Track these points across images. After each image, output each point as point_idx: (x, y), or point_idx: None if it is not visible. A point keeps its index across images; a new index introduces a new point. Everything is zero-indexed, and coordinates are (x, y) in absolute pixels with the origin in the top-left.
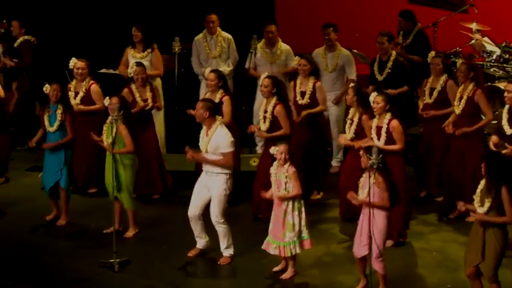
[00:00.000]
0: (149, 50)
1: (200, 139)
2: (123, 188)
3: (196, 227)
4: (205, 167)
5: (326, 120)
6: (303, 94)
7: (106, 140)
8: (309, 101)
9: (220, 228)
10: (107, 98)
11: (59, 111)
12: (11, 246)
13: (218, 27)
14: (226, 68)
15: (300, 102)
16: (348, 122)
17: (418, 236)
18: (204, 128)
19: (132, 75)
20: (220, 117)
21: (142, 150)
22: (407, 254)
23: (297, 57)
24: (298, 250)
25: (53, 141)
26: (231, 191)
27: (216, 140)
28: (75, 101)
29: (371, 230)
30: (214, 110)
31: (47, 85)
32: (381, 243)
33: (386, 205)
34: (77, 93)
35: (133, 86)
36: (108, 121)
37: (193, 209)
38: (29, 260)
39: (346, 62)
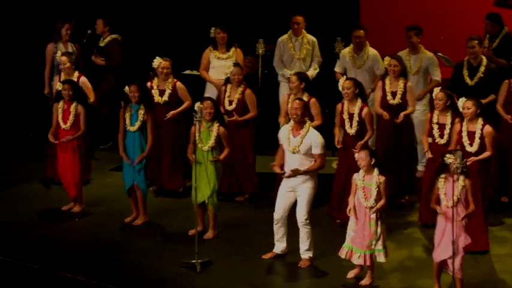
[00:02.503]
0: (233, 49)
1: (283, 139)
2: (210, 190)
3: (279, 231)
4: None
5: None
6: (393, 94)
7: (202, 143)
8: (400, 101)
9: (305, 229)
10: (198, 103)
11: (141, 112)
12: (94, 245)
13: (303, 30)
14: (313, 71)
15: (391, 102)
16: (436, 126)
17: (502, 242)
18: (287, 127)
19: (228, 75)
20: (309, 122)
21: (235, 150)
22: (490, 259)
23: (387, 57)
24: (383, 259)
25: (130, 139)
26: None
27: (309, 140)
28: (162, 99)
29: (454, 235)
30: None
31: (126, 87)
32: (461, 248)
33: (473, 209)
34: (161, 92)
35: (228, 86)
36: (203, 127)
37: (280, 212)
38: (112, 259)
39: (429, 64)
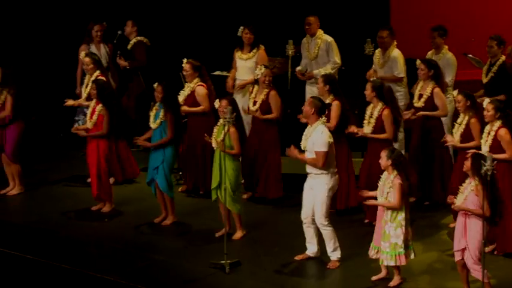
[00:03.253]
0: (255, 51)
1: (303, 138)
2: (228, 192)
3: (308, 232)
4: (308, 169)
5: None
6: (420, 97)
7: (216, 139)
8: (423, 104)
9: (325, 231)
10: (217, 100)
11: (163, 111)
12: (124, 245)
13: (319, 30)
14: (327, 69)
15: (415, 104)
16: (457, 126)
17: None
18: (308, 127)
19: (259, 76)
20: (324, 118)
21: (263, 151)
22: None
23: (418, 60)
24: (391, 263)
25: (154, 137)
26: (335, 192)
27: (313, 138)
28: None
29: (467, 239)
30: (321, 109)
31: (155, 84)
32: (476, 252)
33: (485, 214)
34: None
35: (255, 87)
36: (219, 123)
37: (305, 213)
38: (141, 259)
39: (445, 64)
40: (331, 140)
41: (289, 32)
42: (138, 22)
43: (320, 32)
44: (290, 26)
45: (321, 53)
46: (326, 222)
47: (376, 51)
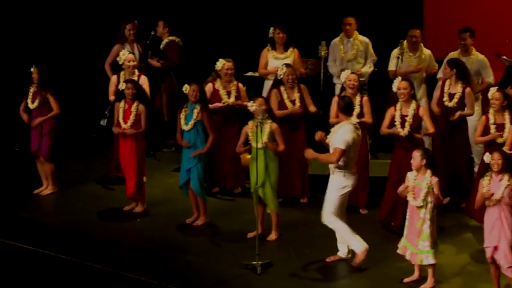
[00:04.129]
0: (291, 50)
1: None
2: (269, 190)
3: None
4: (329, 166)
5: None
6: (451, 96)
7: (256, 143)
8: (456, 105)
9: (335, 227)
10: (251, 101)
11: (196, 111)
12: (155, 245)
13: (355, 31)
14: (367, 69)
15: (446, 103)
16: (493, 126)
17: None
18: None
19: (281, 76)
20: (352, 118)
21: (292, 152)
22: None
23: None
24: (431, 261)
25: (187, 140)
26: (350, 191)
27: (337, 134)
28: (230, 100)
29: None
30: (346, 107)
31: (186, 85)
32: (508, 250)
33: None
34: (228, 92)
35: (282, 88)
36: (251, 124)
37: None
38: (173, 260)
39: (481, 66)
40: (352, 141)
41: (322, 33)
42: (169, 22)
43: (356, 33)
44: (322, 27)
45: (359, 54)
46: (331, 219)
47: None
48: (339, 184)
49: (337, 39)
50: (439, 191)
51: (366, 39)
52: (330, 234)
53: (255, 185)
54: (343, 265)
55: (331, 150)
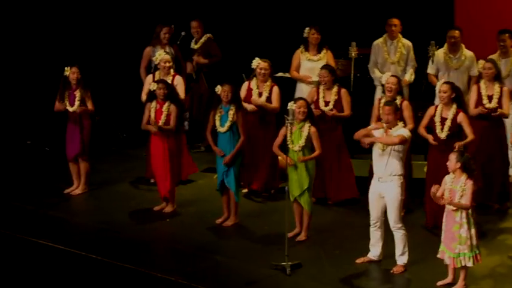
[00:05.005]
0: (324, 51)
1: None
2: (306, 191)
3: (375, 234)
4: (378, 173)
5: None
6: (490, 98)
7: (293, 143)
8: (497, 105)
9: (398, 234)
10: (291, 102)
11: (231, 112)
12: (185, 246)
13: (399, 33)
14: (410, 77)
15: (487, 105)
16: None
17: None
18: (380, 131)
19: (320, 78)
20: (402, 122)
21: (327, 154)
22: None
23: (481, 60)
24: (469, 263)
25: (223, 141)
26: (405, 196)
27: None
28: (260, 100)
29: None
30: (398, 108)
31: (218, 86)
32: None
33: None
34: (260, 94)
35: (320, 88)
36: (287, 125)
37: (374, 214)
38: (202, 260)
39: None
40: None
41: (352, 34)
42: (201, 21)
43: (400, 36)
44: (353, 27)
45: (402, 56)
46: (400, 225)
47: (440, 52)
48: (399, 188)
49: (380, 41)
50: (471, 195)
51: (409, 43)
52: (360, 235)
53: (291, 185)
54: (373, 267)
55: (390, 158)
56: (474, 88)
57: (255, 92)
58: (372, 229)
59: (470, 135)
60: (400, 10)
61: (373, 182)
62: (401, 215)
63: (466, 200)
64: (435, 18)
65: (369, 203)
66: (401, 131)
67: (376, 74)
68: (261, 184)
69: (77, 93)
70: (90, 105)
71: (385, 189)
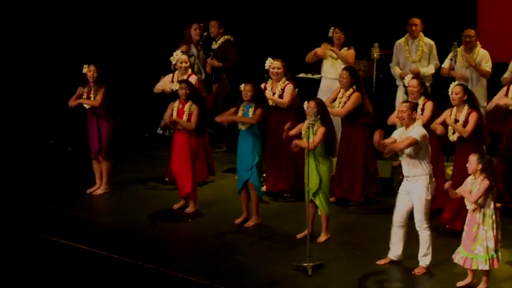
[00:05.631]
0: (345, 49)
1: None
2: (319, 192)
3: (396, 234)
4: (405, 173)
5: None
6: None
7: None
8: None
9: (424, 234)
10: (306, 102)
11: (252, 110)
12: (207, 246)
13: (421, 32)
14: (427, 69)
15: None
16: None
17: None
18: (401, 130)
19: (339, 78)
20: (420, 120)
21: (349, 153)
22: None
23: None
24: (485, 266)
25: (242, 138)
26: (433, 196)
27: (409, 132)
28: (271, 96)
29: None
30: (415, 108)
31: (242, 85)
32: None
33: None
34: (274, 93)
35: (341, 91)
36: (305, 125)
37: (398, 216)
38: (224, 261)
39: None
40: (427, 134)
41: (374, 35)
42: (222, 22)
43: (421, 34)
44: (374, 28)
45: (424, 55)
46: (426, 225)
47: (458, 50)
48: (425, 188)
49: (401, 40)
50: (481, 192)
51: (430, 42)
52: (381, 236)
53: (306, 185)
54: (395, 267)
55: (409, 158)
56: (503, 90)
57: (268, 91)
58: (393, 228)
59: (463, 130)
60: (423, 11)
61: (404, 180)
62: (428, 214)
63: (474, 196)
64: (458, 18)
65: (397, 201)
66: (412, 132)
67: (395, 70)
68: (285, 185)
69: (93, 91)
70: (94, 100)
71: (412, 188)
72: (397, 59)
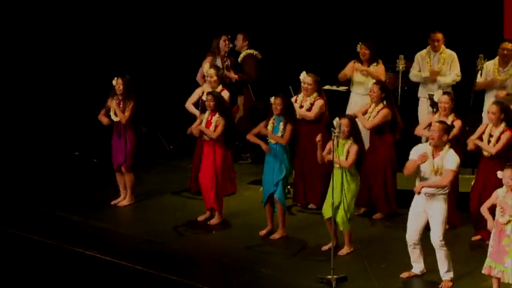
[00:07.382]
0: (374, 65)
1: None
2: (340, 209)
3: (414, 252)
4: (425, 188)
5: None
6: None
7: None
8: None
9: (442, 251)
10: (337, 118)
11: (282, 124)
12: (230, 258)
13: (443, 45)
14: (446, 80)
15: None
16: None
17: None
18: (426, 147)
19: (370, 93)
20: (449, 144)
21: (375, 168)
22: None
23: None
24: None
25: (273, 153)
26: (448, 212)
27: (447, 158)
28: (298, 109)
29: None
30: (448, 132)
31: (272, 97)
32: None
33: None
34: (301, 106)
35: (372, 105)
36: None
37: (412, 234)
38: (248, 272)
39: None
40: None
41: (399, 47)
42: (250, 35)
43: (443, 47)
44: (400, 41)
45: (444, 67)
46: (443, 242)
47: (490, 64)
48: (445, 205)
49: (423, 52)
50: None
51: (452, 53)
52: (406, 249)
53: (330, 198)
54: (419, 281)
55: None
56: None
57: (297, 104)
58: (409, 248)
59: (491, 147)
60: (449, 23)
61: (416, 197)
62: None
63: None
64: (484, 31)
65: (409, 219)
66: (449, 162)
67: (414, 71)
68: (315, 199)
69: (122, 104)
70: (123, 116)
71: (430, 204)
72: (419, 68)
